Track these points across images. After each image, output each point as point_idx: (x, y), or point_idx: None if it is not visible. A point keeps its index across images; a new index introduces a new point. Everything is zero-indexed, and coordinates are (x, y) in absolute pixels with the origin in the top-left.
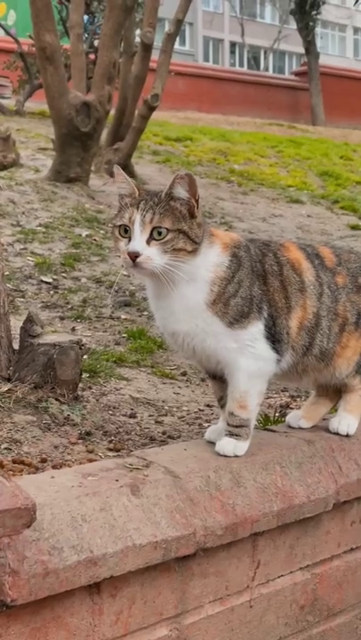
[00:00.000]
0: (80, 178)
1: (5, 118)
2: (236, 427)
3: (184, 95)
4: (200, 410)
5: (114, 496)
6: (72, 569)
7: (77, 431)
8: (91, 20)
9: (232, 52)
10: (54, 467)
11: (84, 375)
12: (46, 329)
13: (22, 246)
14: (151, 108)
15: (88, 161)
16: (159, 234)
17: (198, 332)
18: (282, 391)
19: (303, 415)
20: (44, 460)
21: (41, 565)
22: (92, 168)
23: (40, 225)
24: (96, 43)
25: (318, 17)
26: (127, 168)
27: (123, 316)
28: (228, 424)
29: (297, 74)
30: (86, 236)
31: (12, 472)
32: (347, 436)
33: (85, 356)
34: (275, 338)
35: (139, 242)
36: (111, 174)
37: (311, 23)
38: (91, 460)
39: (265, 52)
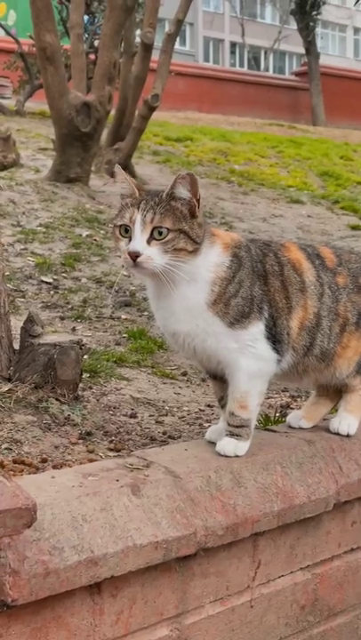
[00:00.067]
0: (80, 178)
1: (6, 118)
2: (237, 427)
3: (184, 95)
4: (201, 410)
5: (114, 496)
6: (73, 569)
7: (78, 431)
8: (91, 20)
9: (232, 53)
10: (55, 467)
11: (85, 375)
12: (47, 329)
13: (23, 246)
14: (151, 109)
15: (88, 161)
16: (160, 234)
17: (199, 333)
18: (282, 391)
19: (304, 415)
20: (44, 460)
21: (41, 565)
22: (93, 168)
23: (40, 225)
24: (96, 43)
25: (319, 17)
26: (127, 168)
27: (123, 316)
28: (229, 424)
29: (297, 74)
30: (87, 236)
31: (12, 472)
32: (347, 436)
33: (86, 356)
34: (275, 338)
35: (139, 241)
36: (111, 174)
37: (311, 23)
38: (91, 460)
39: (265, 53)
